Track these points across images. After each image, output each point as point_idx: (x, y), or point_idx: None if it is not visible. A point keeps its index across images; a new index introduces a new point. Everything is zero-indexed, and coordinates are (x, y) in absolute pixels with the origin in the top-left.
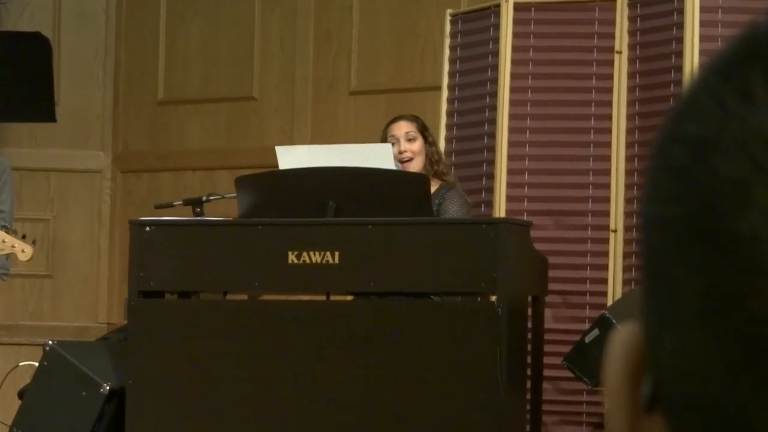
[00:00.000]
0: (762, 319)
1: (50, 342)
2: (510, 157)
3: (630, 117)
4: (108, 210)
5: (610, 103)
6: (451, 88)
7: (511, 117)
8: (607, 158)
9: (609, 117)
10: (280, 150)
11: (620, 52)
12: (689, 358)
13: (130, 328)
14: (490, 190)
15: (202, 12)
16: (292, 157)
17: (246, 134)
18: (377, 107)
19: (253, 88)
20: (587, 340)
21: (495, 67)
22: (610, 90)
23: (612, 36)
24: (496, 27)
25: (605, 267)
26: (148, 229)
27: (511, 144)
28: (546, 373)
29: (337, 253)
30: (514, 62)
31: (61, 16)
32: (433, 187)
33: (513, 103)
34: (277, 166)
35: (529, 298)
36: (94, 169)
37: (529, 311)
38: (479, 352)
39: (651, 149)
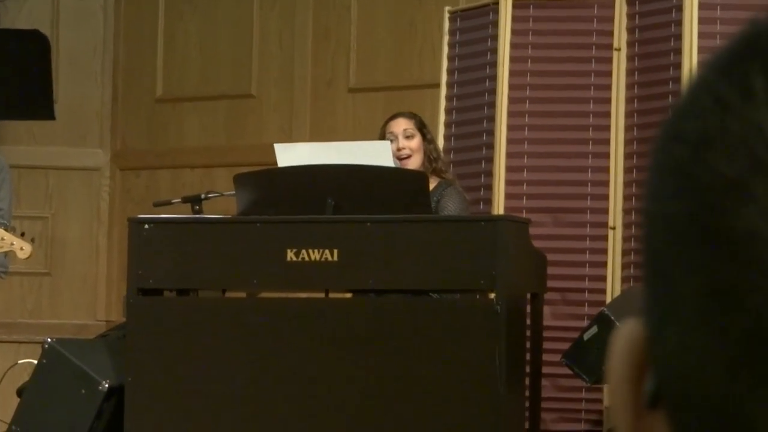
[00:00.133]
0: (761, 316)
1: (49, 340)
2: (509, 155)
3: (628, 114)
4: (106, 208)
5: (608, 101)
6: (449, 85)
7: (510, 114)
8: (606, 155)
9: (608, 114)
10: (278, 147)
11: (619, 50)
12: (689, 356)
13: (128, 325)
14: (489, 188)
15: (201, 9)
16: (290, 154)
17: (244, 132)
18: (376, 105)
19: (252, 86)
20: (586, 337)
21: (493, 65)
22: (608, 87)
23: (610, 33)
24: (495, 24)
25: (604, 264)
26: (146, 226)
27: (510, 141)
28: (545, 370)
29: (335, 251)
30: (512, 59)
31: (60, 13)
32: (432, 184)
33: (511, 100)
34: (276, 164)
35: (528, 296)
36: (93, 167)
37: (528, 308)
38: (478, 349)
39: (651, 147)
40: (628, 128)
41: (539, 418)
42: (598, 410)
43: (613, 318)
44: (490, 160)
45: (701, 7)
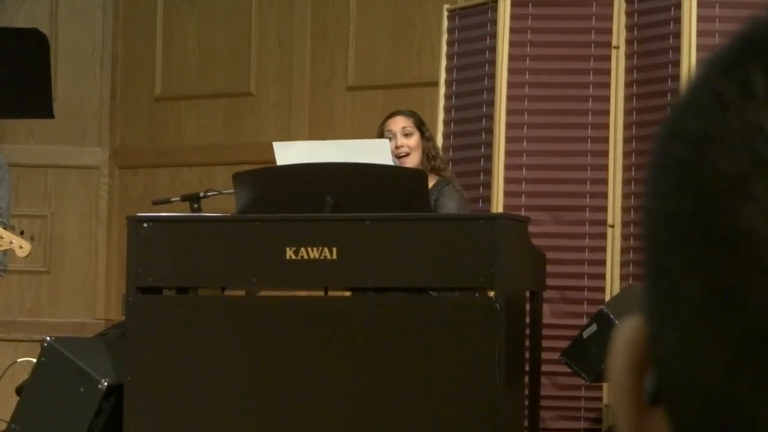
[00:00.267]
0: (761, 315)
1: (48, 338)
2: (507, 153)
3: (627, 112)
4: (105, 206)
5: (607, 99)
6: (448, 83)
7: (509, 112)
8: (605, 153)
9: (606, 112)
10: (277, 146)
11: (617, 48)
12: (689, 355)
13: (127, 324)
14: (488, 186)
15: (199, 8)
16: (289, 152)
17: (243, 130)
18: (374, 103)
19: (251, 84)
20: (585, 335)
21: (492, 63)
22: (607, 85)
23: (609, 31)
24: (494, 22)
25: (603, 262)
26: (145, 225)
27: (509, 139)
28: (544, 368)
29: (334, 249)
30: (511, 58)
31: (58, 12)
32: (431, 182)
33: (510, 98)
34: (275, 162)
35: (527, 294)
36: (92, 165)
37: (527, 307)
38: (477, 347)
39: (651, 145)
40: (626, 126)
41: (538, 416)
42: (597, 408)
43: (612, 316)
44: (489, 158)
45: (700, 5)
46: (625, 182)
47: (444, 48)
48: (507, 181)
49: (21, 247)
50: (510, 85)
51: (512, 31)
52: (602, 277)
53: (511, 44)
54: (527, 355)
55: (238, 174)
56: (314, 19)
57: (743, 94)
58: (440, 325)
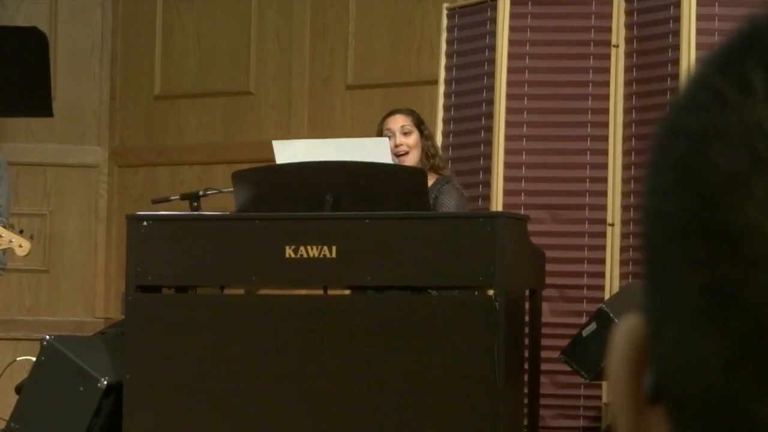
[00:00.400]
0: (760, 312)
1: (47, 337)
2: (507, 151)
3: (627, 111)
4: (105, 205)
5: (606, 97)
6: (447, 82)
7: (508, 111)
8: (604, 152)
9: (606, 111)
10: (277, 144)
11: (617, 46)
12: (688, 353)
13: (127, 322)
14: (487, 184)
15: (199, 6)
16: (289, 151)
17: (243, 129)
18: (374, 101)
19: (250, 83)
20: (584, 333)
21: (492, 61)
22: (606, 84)
23: (609, 30)
24: (493, 21)
25: (602, 261)
26: (145, 223)
27: (508, 138)
28: (543, 366)
29: (334, 248)
30: (510, 56)
31: (58, 10)
32: (430, 180)
33: (510, 97)
34: (274, 161)
35: (527, 292)
36: (91, 164)
37: (527, 305)
38: (477, 346)
39: (650, 143)
40: (626, 125)
41: (538, 414)
42: (596, 407)
43: (611, 314)
44: (488, 156)
45: (699, 3)
46: (625, 181)
47: (443, 46)
48: (506, 179)
49: (20, 246)
50: (509, 83)
51: (512, 29)
52: (602, 275)
53: (511, 43)
54: (526, 354)
55: (238, 173)
56: (314, 18)
57: (742, 91)
58: (439, 324)
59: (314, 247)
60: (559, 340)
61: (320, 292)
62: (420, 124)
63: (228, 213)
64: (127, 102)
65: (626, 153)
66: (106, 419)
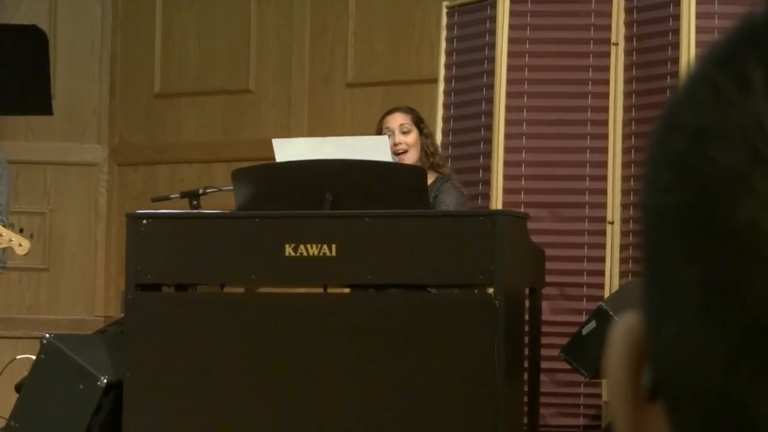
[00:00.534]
0: (760, 308)
1: (47, 335)
2: (507, 149)
3: (627, 109)
4: (105, 203)
5: (606, 95)
6: (447, 80)
7: (508, 109)
8: (604, 150)
9: (606, 109)
10: (276, 142)
11: (617, 44)
12: (688, 348)
13: (127, 321)
14: (487, 183)
15: (198, 5)
16: (288, 149)
17: (242, 127)
18: (373, 100)
19: (250, 81)
20: (584, 332)
21: (491, 59)
22: (606, 82)
23: (608, 28)
24: (493, 19)
25: (602, 259)
26: (145, 222)
27: (508, 136)
28: (543, 365)
29: (334, 246)
30: (510, 54)
31: (57, 9)
32: (429, 179)
33: (510, 95)
34: (274, 159)
35: (527, 291)
36: (91, 162)
37: (527, 303)
38: (476, 344)
39: (649, 139)
40: (626, 123)
41: (538, 412)
42: (596, 405)
43: (611, 313)
44: (488, 154)
45: (699, 1)
46: (625, 179)
47: (443, 45)
48: (506, 177)
49: (20, 245)
50: (509, 81)
51: (511, 27)
52: (601, 273)
53: (511, 41)
54: (526, 352)
55: (238, 171)
56: (313, 16)
57: (741, 87)
58: (439, 322)
59: (314, 246)
60: (558, 339)
61: (320, 290)
62: (419, 123)
63: (228, 211)
64: (127, 100)
65: (626, 151)
66: (106, 417)
